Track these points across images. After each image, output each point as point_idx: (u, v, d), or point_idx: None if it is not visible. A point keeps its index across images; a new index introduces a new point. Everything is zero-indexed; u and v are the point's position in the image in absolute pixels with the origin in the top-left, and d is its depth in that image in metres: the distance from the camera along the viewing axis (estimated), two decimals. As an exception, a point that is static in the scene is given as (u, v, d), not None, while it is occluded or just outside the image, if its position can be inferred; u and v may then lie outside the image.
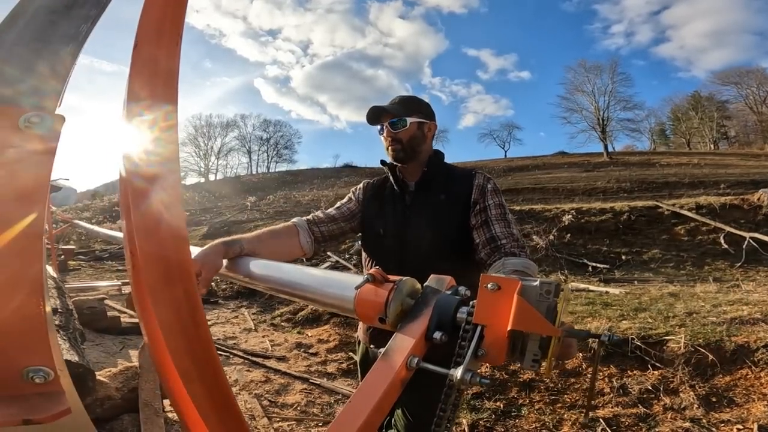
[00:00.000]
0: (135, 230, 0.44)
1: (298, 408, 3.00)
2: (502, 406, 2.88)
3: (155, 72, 0.46)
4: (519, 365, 0.53)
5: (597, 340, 0.51)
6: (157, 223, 0.44)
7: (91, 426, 0.53)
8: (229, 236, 1.16)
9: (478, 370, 0.54)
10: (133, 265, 0.47)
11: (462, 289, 0.62)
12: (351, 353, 3.95)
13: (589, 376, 3.05)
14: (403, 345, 0.58)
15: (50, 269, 4.61)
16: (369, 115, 1.41)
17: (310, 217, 1.46)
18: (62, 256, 8.79)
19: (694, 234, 8.20)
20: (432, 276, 0.67)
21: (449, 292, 0.63)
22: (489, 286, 0.53)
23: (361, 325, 1.54)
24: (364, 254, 1.50)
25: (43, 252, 0.37)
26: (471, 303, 0.59)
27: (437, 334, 0.58)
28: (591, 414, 2.69)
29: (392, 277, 0.66)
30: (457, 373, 0.51)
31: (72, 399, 0.43)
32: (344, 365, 3.78)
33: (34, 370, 0.39)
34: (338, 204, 1.52)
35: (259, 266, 0.96)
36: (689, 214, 8.67)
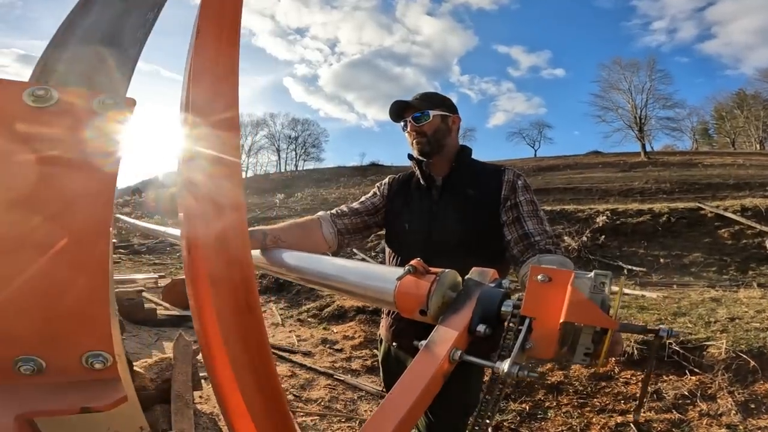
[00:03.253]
0: (196, 216, 0.43)
1: (322, 403, 3.03)
2: (527, 407, 2.82)
3: (216, 69, 0.45)
4: (566, 360, 0.52)
5: (654, 335, 0.49)
6: (217, 209, 0.43)
7: (142, 416, 0.51)
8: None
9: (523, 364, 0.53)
10: (191, 252, 0.46)
11: (506, 282, 0.61)
12: (375, 350, 3.96)
13: (621, 380, 2.95)
14: (446, 337, 0.57)
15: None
16: (392, 111, 1.40)
17: (333, 210, 1.47)
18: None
19: (739, 237, 7.77)
20: (474, 269, 0.66)
21: (493, 285, 0.61)
22: (539, 277, 0.52)
23: (383, 322, 1.52)
24: (388, 250, 1.48)
25: (111, 232, 0.38)
26: (516, 296, 0.57)
27: (481, 327, 0.56)
28: (624, 419, 2.59)
29: (434, 269, 0.65)
30: (504, 366, 0.50)
31: (127, 386, 0.41)
32: (368, 362, 3.80)
33: (94, 354, 0.38)
34: (362, 198, 1.52)
35: (297, 258, 0.97)
36: (733, 216, 8.22)
